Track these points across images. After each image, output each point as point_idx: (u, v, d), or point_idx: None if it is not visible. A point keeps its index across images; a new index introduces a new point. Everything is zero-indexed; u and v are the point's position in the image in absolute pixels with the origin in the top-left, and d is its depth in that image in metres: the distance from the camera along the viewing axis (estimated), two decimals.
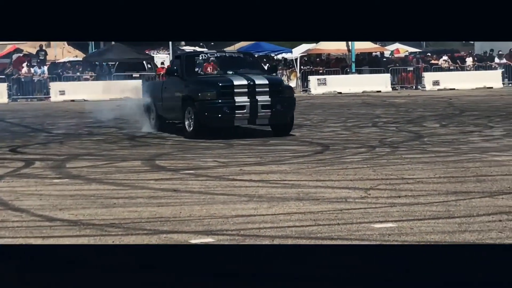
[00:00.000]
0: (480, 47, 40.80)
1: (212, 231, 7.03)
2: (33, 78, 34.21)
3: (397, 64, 38.43)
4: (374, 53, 41.46)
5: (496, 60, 38.49)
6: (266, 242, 6.54)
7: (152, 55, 43.28)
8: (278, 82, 16.27)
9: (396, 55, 43.39)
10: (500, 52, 38.23)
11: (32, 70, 34.47)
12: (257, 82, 15.34)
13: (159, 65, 39.26)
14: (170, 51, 44.95)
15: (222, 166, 11.37)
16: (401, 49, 44.63)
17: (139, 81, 34.03)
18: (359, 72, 36.98)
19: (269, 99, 15.28)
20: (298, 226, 7.15)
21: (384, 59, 41.13)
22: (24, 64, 34.99)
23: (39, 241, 6.69)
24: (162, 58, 43.58)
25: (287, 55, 40.25)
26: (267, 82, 15.46)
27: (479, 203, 8.06)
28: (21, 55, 38.05)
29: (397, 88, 35.97)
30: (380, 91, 34.03)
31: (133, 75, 34.60)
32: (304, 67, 37.73)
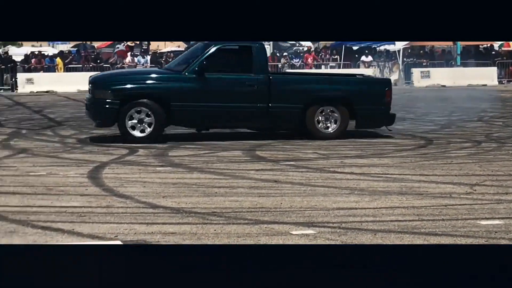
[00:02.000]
0: None
1: (313, 223, 6.97)
2: (136, 68, 34.91)
3: (505, 58, 37.37)
4: (481, 46, 40.40)
5: None
6: (368, 235, 6.44)
7: None
8: (95, 81, 13.81)
9: (504, 49, 42.14)
10: None
11: (135, 59, 35.21)
12: (89, 79, 14.02)
13: None
14: (271, 42, 44.92)
15: (322, 158, 11.28)
16: None
17: None
18: (464, 65, 36.16)
19: (88, 98, 13.80)
20: (401, 221, 7.02)
21: (493, 52, 40.00)
22: (128, 54, 35.77)
23: (143, 228, 6.78)
24: None
25: (390, 47, 39.72)
26: (92, 80, 13.90)
27: None
28: (125, 45, 38.66)
29: (503, 82, 34.99)
30: (486, 85, 33.14)
31: None
32: (407, 59, 37.17)
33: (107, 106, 13.20)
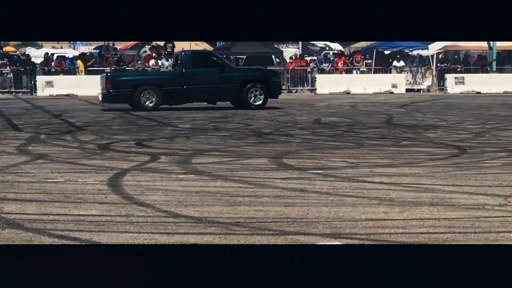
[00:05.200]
0: None
1: (341, 234, 6.71)
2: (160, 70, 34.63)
3: None
4: None
5: None
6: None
7: (281, 49, 43.02)
8: None
9: None
10: None
11: (159, 62, 34.93)
12: None
13: (287, 60, 39.01)
14: (300, 45, 44.65)
15: (351, 166, 10.98)
16: None
17: None
18: (500, 71, 35.56)
19: None
20: (431, 233, 6.73)
21: None
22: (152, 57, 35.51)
23: (164, 238, 6.54)
24: (291, 52, 43.21)
25: (423, 52, 39.11)
26: None
27: None
28: (149, 47, 38.14)
29: None
30: None
31: None
32: (441, 65, 36.70)
33: None
